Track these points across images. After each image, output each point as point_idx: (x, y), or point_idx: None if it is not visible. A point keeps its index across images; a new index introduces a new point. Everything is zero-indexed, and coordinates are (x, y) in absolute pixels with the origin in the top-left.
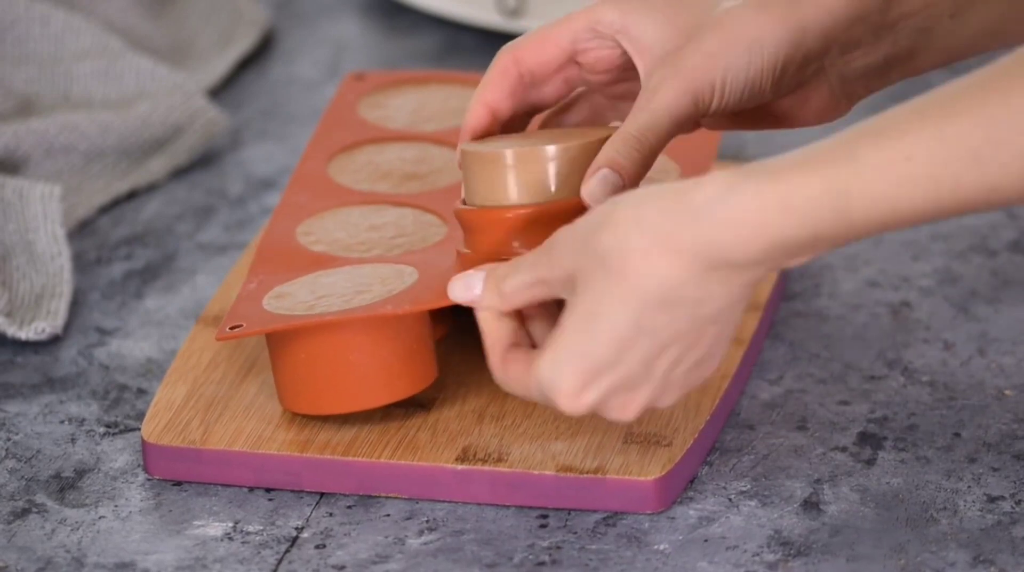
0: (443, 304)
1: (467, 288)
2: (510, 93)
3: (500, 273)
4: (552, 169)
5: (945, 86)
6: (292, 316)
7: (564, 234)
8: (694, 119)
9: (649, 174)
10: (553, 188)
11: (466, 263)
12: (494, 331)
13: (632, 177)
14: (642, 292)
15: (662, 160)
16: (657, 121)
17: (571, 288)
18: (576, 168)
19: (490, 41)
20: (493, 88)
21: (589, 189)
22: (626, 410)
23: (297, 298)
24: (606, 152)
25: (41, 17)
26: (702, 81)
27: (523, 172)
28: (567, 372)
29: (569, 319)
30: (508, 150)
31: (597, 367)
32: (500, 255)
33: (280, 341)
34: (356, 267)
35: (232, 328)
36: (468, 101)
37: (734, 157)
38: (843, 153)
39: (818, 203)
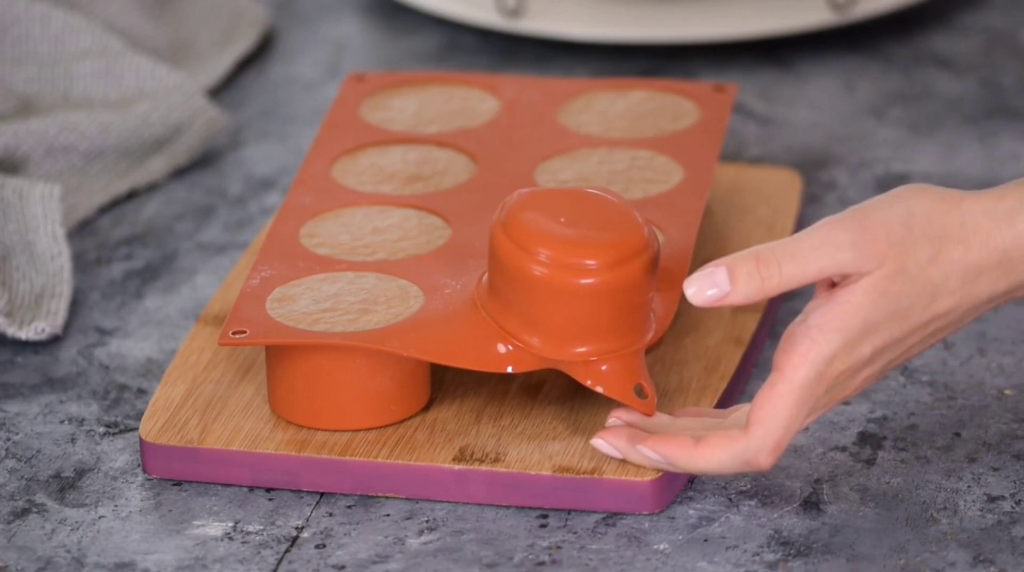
0: (450, 364)
1: (713, 285)
2: None
3: (768, 264)
4: None
5: None
6: (296, 330)
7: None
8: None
9: (651, 175)
10: None
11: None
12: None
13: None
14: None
15: (664, 161)
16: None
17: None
18: None
19: (490, 41)
20: None
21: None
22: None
23: (299, 306)
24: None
25: (41, 17)
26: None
27: None
28: (847, 345)
29: (864, 295)
30: None
31: (876, 336)
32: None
33: (280, 351)
34: (360, 275)
35: (235, 333)
36: (469, 102)
37: (734, 157)
38: None
39: None
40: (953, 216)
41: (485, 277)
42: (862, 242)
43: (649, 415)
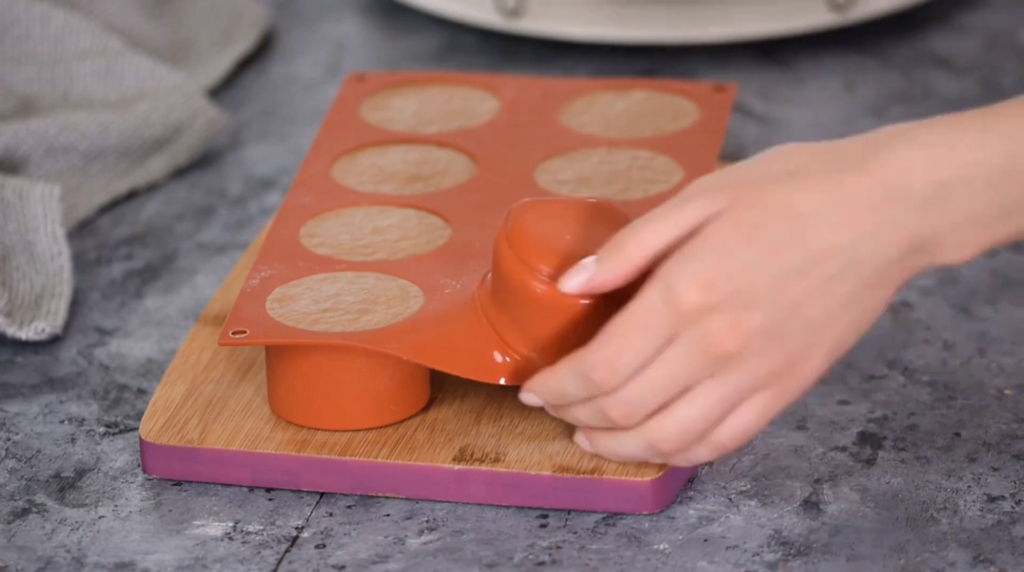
0: (446, 370)
1: (581, 270)
2: None
3: (626, 234)
4: None
5: None
6: (296, 330)
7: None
8: None
9: (651, 175)
10: None
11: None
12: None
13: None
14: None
15: (664, 161)
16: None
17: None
18: None
19: (489, 41)
20: None
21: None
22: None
23: (299, 306)
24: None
25: (41, 17)
26: None
27: None
28: (697, 271)
29: (714, 232)
30: None
31: (732, 267)
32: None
33: (280, 351)
34: (360, 275)
35: (235, 333)
36: (468, 102)
37: (734, 157)
38: None
39: (1011, 137)
40: (822, 152)
41: (488, 277)
42: (712, 188)
43: None
